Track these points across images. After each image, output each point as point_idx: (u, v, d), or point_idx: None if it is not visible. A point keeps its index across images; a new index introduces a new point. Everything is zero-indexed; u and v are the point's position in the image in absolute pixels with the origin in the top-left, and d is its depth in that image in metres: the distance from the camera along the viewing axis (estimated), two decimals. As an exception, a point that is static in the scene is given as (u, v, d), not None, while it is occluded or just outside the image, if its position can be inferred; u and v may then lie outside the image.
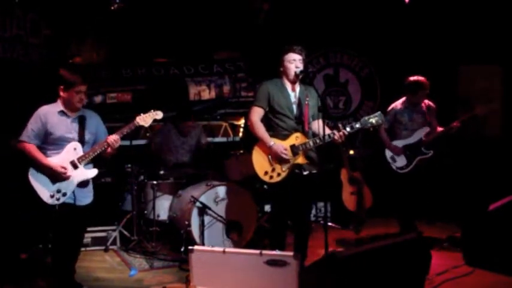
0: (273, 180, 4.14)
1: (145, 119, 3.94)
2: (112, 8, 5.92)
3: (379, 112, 4.12)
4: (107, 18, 6.24)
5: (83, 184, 3.88)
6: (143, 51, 6.72)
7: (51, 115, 3.80)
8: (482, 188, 5.77)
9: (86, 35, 6.55)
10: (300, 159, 4.15)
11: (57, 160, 3.76)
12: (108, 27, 6.42)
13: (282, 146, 4.09)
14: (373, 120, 4.05)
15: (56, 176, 3.74)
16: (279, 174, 4.13)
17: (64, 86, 3.78)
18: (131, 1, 6.09)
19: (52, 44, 6.21)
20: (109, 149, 3.86)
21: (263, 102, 4.20)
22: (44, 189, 3.75)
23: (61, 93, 3.81)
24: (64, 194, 3.78)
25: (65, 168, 3.73)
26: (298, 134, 4.16)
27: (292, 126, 4.17)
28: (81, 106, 3.85)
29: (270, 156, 4.13)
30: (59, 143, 3.80)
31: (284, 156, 4.06)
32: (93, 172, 3.91)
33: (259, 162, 4.15)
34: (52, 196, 3.75)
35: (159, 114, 4.01)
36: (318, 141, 4.06)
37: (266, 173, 4.13)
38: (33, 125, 3.78)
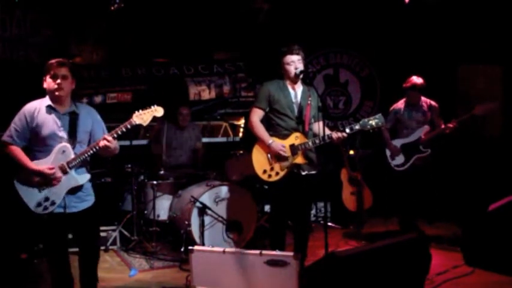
0: (271, 179, 4.16)
1: (143, 117, 3.43)
2: (112, 8, 5.92)
3: (379, 114, 4.07)
4: (106, 18, 6.24)
5: (75, 190, 3.43)
6: (143, 51, 6.72)
7: (37, 112, 3.38)
8: (482, 188, 5.76)
9: (86, 35, 6.55)
10: (299, 159, 4.15)
11: (43, 164, 3.35)
12: (108, 27, 6.43)
13: (280, 144, 4.12)
14: (372, 122, 4.01)
15: (44, 181, 3.35)
16: (277, 173, 4.14)
17: (44, 74, 3.38)
18: (131, 1, 6.09)
19: (52, 44, 6.22)
20: (104, 152, 3.45)
21: (263, 103, 4.22)
22: (30, 196, 3.36)
23: (44, 85, 3.41)
24: (53, 203, 3.36)
25: (52, 168, 3.33)
26: (298, 134, 4.17)
27: (292, 126, 4.18)
28: (60, 94, 3.36)
29: (269, 155, 4.14)
30: (47, 143, 3.38)
31: (282, 153, 4.08)
32: (85, 177, 3.47)
33: (259, 160, 4.17)
34: (39, 205, 3.35)
35: (159, 111, 3.48)
36: (317, 141, 4.07)
37: (265, 171, 4.15)
38: (16, 123, 3.39)
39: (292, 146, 4.13)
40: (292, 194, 4.20)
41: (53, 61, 3.37)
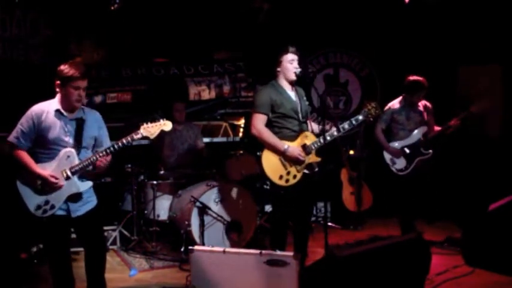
0: (289, 183, 4.07)
1: (150, 130, 3.44)
2: (112, 8, 5.92)
3: (375, 102, 4.27)
4: (107, 18, 6.24)
5: (75, 196, 3.42)
6: (143, 51, 6.72)
7: (45, 115, 3.35)
8: (482, 188, 5.76)
9: (86, 35, 6.55)
10: (313, 158, 4.14)
11: (47, 168, 3.34)
12: (108, 27, 6.43)
13: (296, 147, 4.06)
14: (372, 111, 4.19)
15: (45, 187, 3.33)
16: (295, 177, 4.08)
17: (60, 81, 3.32)
18: (131, 1, 6.09)
19: (52, 44, 6.22)
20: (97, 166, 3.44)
21: (266, 109, 4.12)
22: (31, 198, 3.35)
23: (57, 90, 3.38)
24: (52, 207, 3.35)
25: (56, 178, 3.32)
26: (307, 133, 4.15)
27: (298, 127, 4.15)
28: (79, 105, 3.40)
29: (282, 159, 4.07)
30: (52, 147, 3.36)
31: (301, 158, 4.04)
32: (87, 185, 3.46)
33: (272, 167, 4.06)
34: (39, 207, 3.34)
35: (167, 125, 3.50)
36: (328, 137, 4.04)
37: (281, 177, 4.06)
38: (23, 125, 3.35)
39: (304, 146, 4.10)
40: (305, 194, 4.16)
41: (76, 72, 3.30)
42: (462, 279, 4.32)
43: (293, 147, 4.05)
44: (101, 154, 3.38)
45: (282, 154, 4.05)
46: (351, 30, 7.04)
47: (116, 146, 3.40)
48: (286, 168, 4.07)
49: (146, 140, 6.29)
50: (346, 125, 4.15)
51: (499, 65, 6.32)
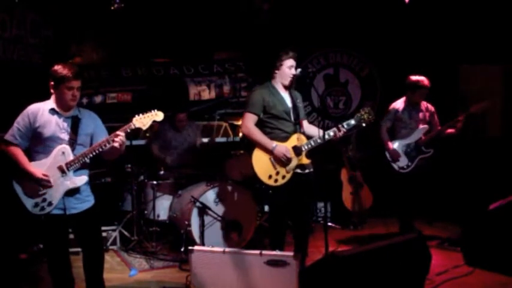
0: (278, 183, 4.08)
1: (143, 121, 3.46)
2: (112, 8, 5.92)
3: (368, 108, 4.26)
4: (107, 18, 6.24)
5: (73, 192, 3.43)
6: (143, 51, 6.72)
7: (40, 113, 3.40)
8: (482, 188, 5.76)
9: (86, 35, 6.55)
10: (304, 160, 4.15)
11: (42, 165, 3.37)
12: (108, 27, 6.43)
13: (284, 147, 4.08)
14: (365, 116, 4.16)
15: (38, 184, 3.35)
16: (283, 177, 4.09)
17: (54, 82, 3.38)
18: (131, 1, 6.09)
19: (52, 44, 6.21)
20: (114, 148, 3.42)
21: (257, 109, 4.16)
22: (28, 196, 3.37)
23: (51, 91, 3.43)
24: (50, 204, 3.36)
25: (46, 175, 3.34)
26: (298, 135, 4.16)
27: (290, 129, 4.16)
28: (74, 104, 3.44)
29: (272, 159, 4.09)
30: (48, 144, 3.39)
31: (288, 156, 4.04)
32: (82, 180, 3.46)
33: (261, 166, 4.09)
34: (36, 205, 3.35)
35: (159, 115, 3.51)
36: (319, 140, 4.06)
37: (270, 176, 4.08)
38: (20, 123, 3.40)
39: (295, 148, 4.11)
40: (298, 195, 4.16)
41: (68, 73, 3.36)
42: (462, 279, 4.32)
43: (281, 145, 4.07)
44: (96, 146, 3.40)
45: (270, 153, 4.07)
46: (351, 30, 7.04)
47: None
48: (275, 168, 4.08)
49: (146, 140, 6.36)
50: (331, 132, 4.14)
51: (500, 64, 6.33)
